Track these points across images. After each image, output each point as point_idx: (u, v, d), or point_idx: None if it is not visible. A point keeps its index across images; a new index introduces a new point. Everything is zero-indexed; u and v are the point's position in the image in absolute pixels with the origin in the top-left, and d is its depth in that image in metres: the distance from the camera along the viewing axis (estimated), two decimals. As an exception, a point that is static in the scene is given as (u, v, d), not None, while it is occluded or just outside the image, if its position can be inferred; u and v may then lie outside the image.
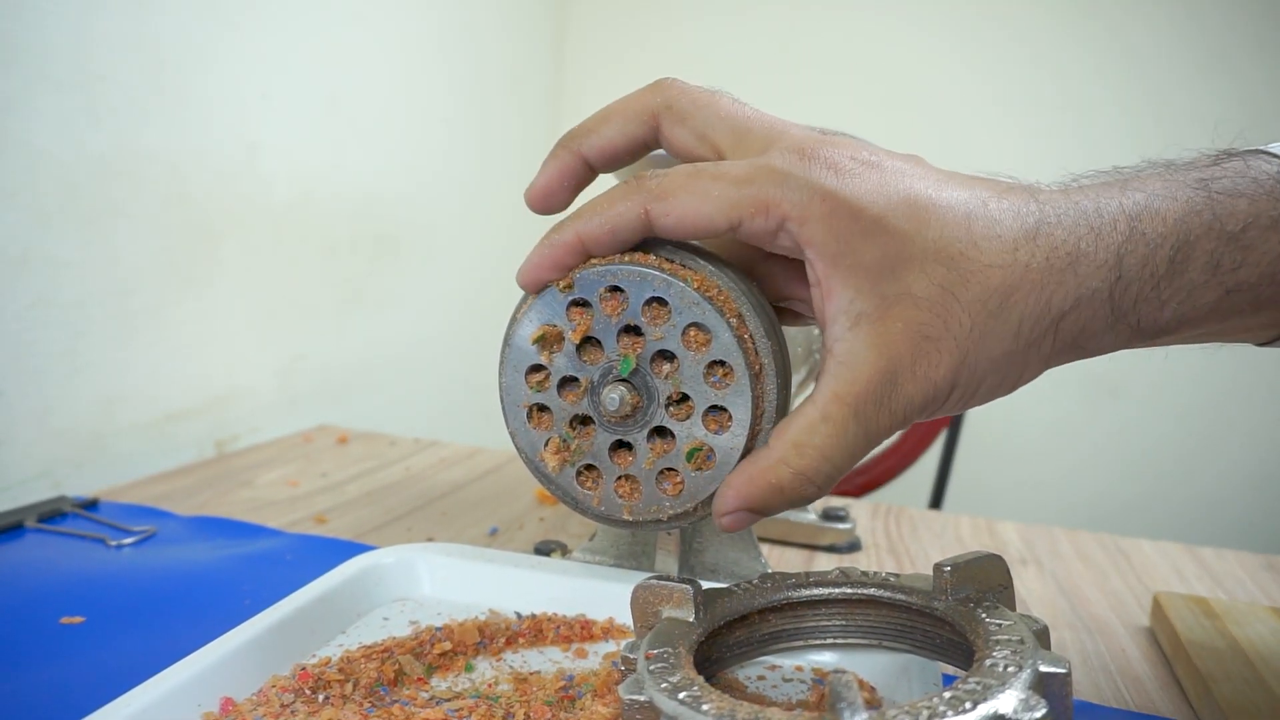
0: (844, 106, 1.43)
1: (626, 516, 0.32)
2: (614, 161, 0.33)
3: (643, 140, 0.32)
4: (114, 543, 0.52)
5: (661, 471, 0.32)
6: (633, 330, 0.31)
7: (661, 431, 0.32)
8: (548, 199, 0.33)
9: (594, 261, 0.31)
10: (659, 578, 0.33)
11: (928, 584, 0.32)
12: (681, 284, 0.30)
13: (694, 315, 0.30)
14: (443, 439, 0.83)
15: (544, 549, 0.51)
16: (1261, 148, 0.31)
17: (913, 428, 0.92)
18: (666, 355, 0.31)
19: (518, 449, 0.33)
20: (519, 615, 0.41)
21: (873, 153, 0.30)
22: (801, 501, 0.30)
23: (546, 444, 0.33)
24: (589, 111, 0.34)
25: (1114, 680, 0.42)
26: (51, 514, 0.56)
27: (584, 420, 0.33)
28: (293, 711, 0.32)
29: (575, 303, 0.31)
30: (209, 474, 0.69)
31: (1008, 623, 0.28)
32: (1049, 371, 0.31)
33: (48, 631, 0.40)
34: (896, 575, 0.33)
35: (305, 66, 0.89)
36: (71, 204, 0.65)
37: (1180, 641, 0.42)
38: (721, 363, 0.31)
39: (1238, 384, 1.33)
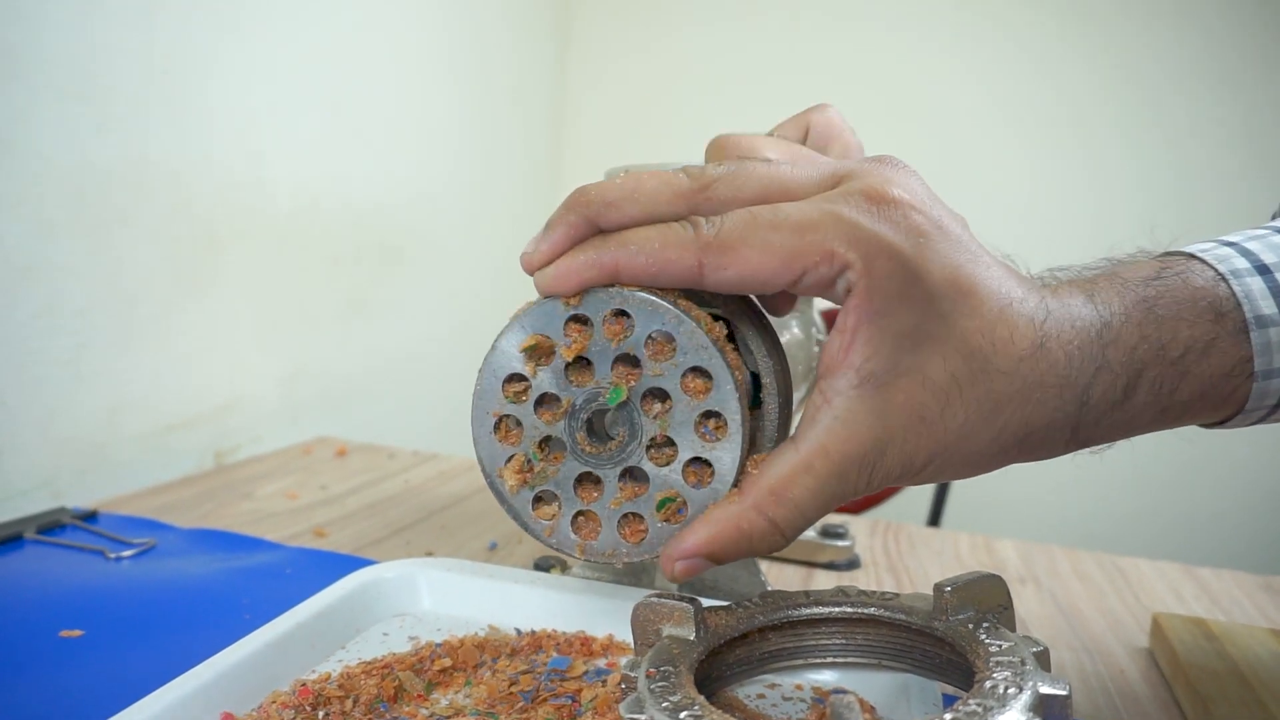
0: (847, 115, 1.43)
1: (577, 555, 0.30)
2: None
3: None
4: (113, 555, 0.52)
5: (625, 515, 0.30)
6: (630, 361, 0.30)
7: (635, 474, 0.30)
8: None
9: None
10: (659, 595, 0.33)
11: (927, 603, 0.32)
12: (694, 324, 0.29)
13: (699, 359, 0.29)
14: (443, 451, 0.83)
15: (544, 565, 0.51)
16: (1198, 254, 0.32)
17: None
18: (659, 395, 0.30)
19: (478, 459, 0.31)
20: (519, 631, 0.41)
21: (936, 207, 0.29)
22: (763, 553, 0.29)
23: (509, 461, 0.31)
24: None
25: (1113, 701, 0.42)
26: (51, 525, 0.56)
27: (553, 444, 0.31)
28: (292, 728, 0.32)
29: (576, 318, 0.30)
30: (209, 485, 0.69)
31: (1008, 644, 0.28)
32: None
33: (47, 645, 0.40)
34: (896, 594, 0.34)
35: (309, 76, 0.89)
36: (76, 213, 0.65)
37: (1180, 663, 0.42)
38: (716, 414, 0.29)
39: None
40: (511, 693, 0.35)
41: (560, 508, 0.31)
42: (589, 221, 0.29)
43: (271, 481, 0.70)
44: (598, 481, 0.30)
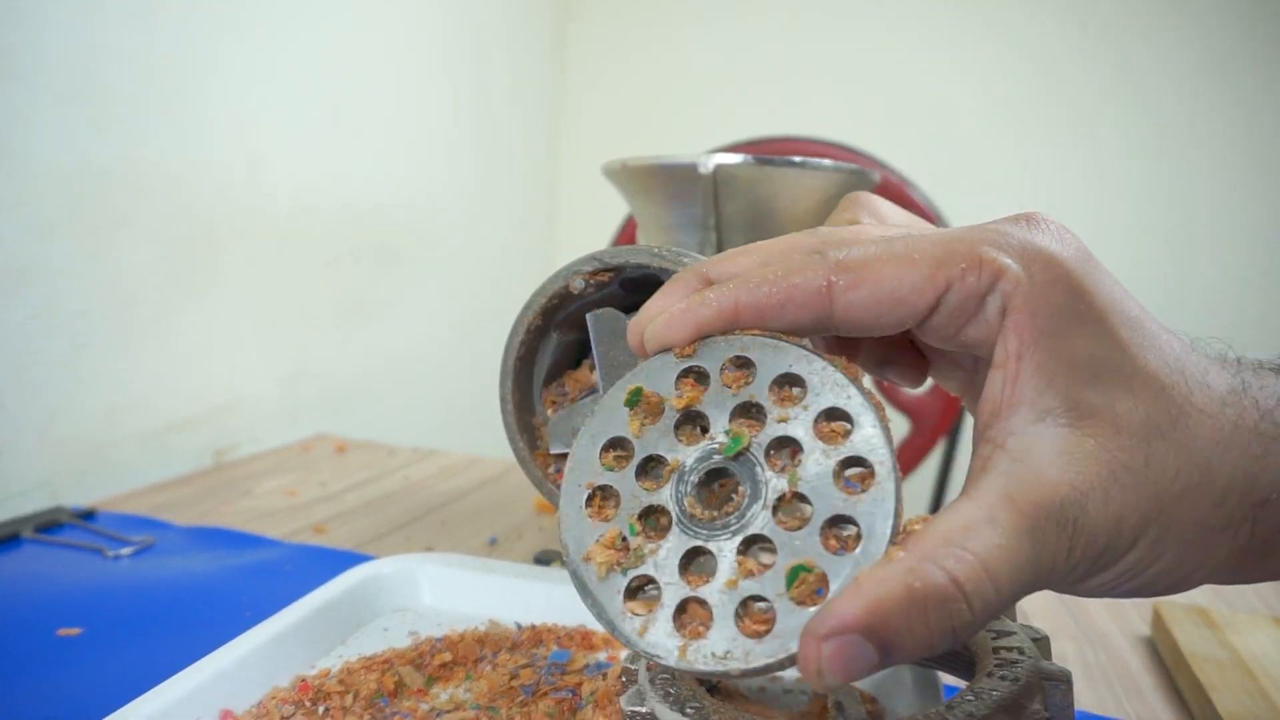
0: (845, 116, 1.43)
1: (678, 660, 0.23)
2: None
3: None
4: (112, 553, 0.51)
5: (746, 601, 0.23)
6: (751, 412, 0.25)
7: (758, 545, 0.24)
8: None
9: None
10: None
11: (929, 594, 0.32)
12: (825, 362, 0.24)
13: (835, 399, 0.24)
14: (442, 449, 0.83)
15: (544, 559, 0.51)
16: None
17: (913, 433, 0.92)
18: (786, 445, 0.24)
19: (561, 544, 0.25)
20: (519, 625, 0.41)
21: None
22: (947, 633, 0.21)
23: (600, 539, 0.25)
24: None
25: (1115, 691, 0.42)
26: (49, 524, 0.56)
27: (657, 518, 0.25)
28: (292, 723, 0.32)
29: (689, 372, 0.26)
30: (208, 484, 0.69)
31: (1009, 633, 0.28)
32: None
33: (45, 643, 0.40)
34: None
35: (307, 77, 0.89)
36: (74, 215, 0.65)
37: (1181, 652, 0.42)
38: (860, 460, 0.23)
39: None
40: (512, 686, 0.35)
41: (660, 597, 0.24)
42: (704, 278, 0.26)
43: (271, 479, 0.70)
44: (709, 562, 0.24)
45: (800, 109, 1.46)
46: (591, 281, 0.37)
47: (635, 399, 0.26)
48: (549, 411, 0.40)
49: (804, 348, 0.25)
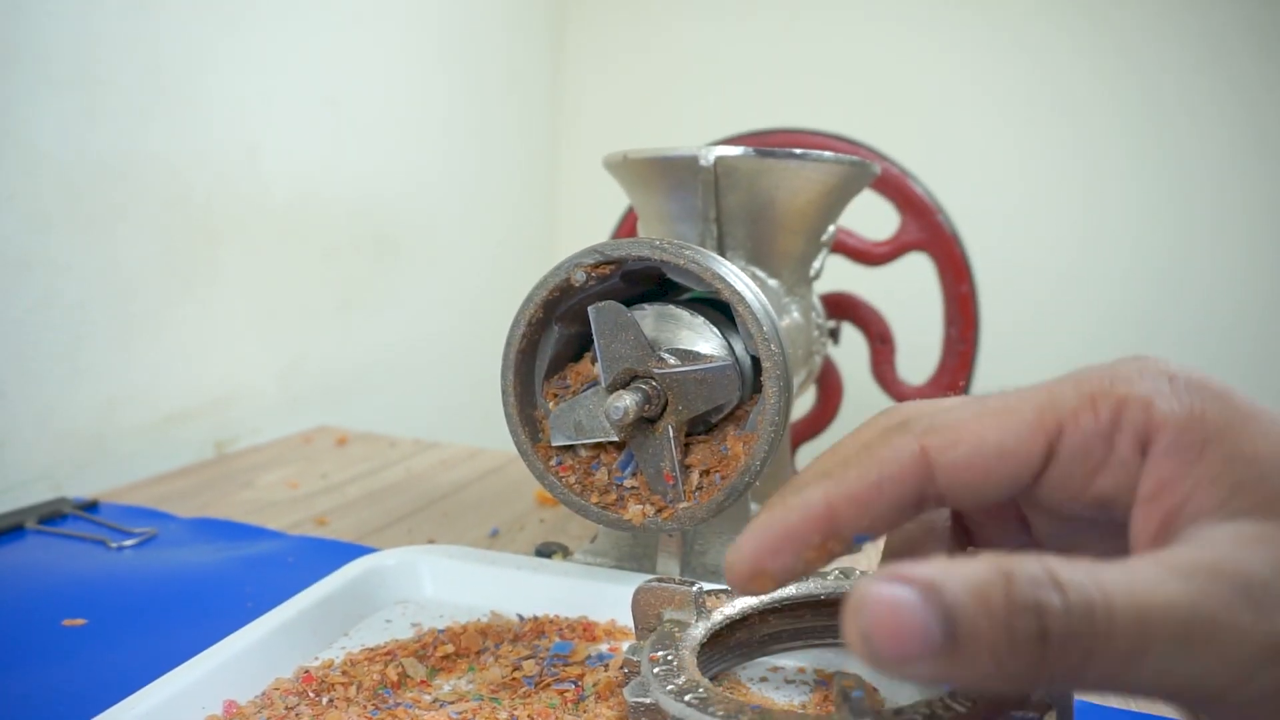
0: (842, 110, 1.43)
1: None
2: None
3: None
4: (115, 544, 0.52)
5: None
6: None
7: None
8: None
9: None
10: (660, 579, 0.33)
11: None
12: None
13: None
14: (443, 441, 0.83)
15: (545, 551, 0.51)
16: None
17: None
18: None
19: None
20: (521, 617, 0.41)
21: None
22: (1033, 636, 0.17)
23: None
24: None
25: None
26: (52, 516, 0.56)
27: None
28: (296, 714, 0.32)
29: None
30: (209, 475, 0.69)
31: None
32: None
33: (49, 634, 0.40)
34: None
35: (305, 68, 0.89)
36: (71, 206, 0.65)
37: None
38: None
39: (1242, 387, 1.33)
40: (515, 678, 0.35)
41: None
42: (822, 499, 0.22)
43: (272, 471, 0.70)
44: None
45: (801, 102, 1.45)
46: (593, 274, 0.37)
47: None
48: (550, 404, 0.40)
49: None
